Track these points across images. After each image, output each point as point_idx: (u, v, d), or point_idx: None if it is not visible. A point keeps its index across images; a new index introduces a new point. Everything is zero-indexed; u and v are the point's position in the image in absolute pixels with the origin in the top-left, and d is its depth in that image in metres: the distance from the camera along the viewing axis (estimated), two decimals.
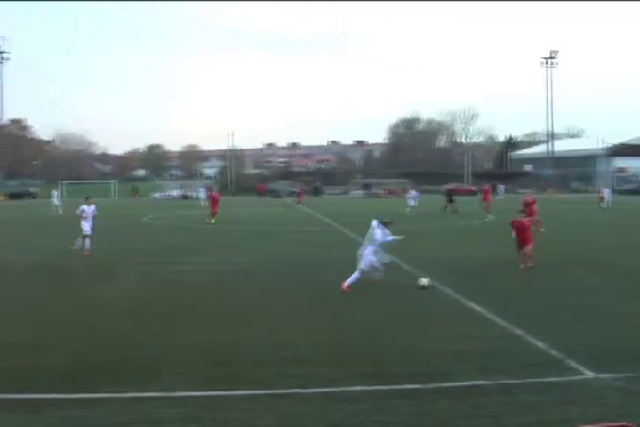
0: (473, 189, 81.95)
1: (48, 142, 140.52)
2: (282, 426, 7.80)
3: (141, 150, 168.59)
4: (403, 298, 15.38)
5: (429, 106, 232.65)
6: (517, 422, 7.80)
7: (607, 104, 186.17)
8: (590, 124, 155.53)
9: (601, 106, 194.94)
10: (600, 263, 20.98)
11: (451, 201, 48.30)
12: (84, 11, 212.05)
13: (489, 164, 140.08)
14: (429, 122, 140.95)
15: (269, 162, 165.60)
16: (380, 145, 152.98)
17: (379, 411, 8.13)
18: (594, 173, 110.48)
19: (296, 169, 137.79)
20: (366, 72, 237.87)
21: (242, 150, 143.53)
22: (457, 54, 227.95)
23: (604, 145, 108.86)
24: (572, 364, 9.98)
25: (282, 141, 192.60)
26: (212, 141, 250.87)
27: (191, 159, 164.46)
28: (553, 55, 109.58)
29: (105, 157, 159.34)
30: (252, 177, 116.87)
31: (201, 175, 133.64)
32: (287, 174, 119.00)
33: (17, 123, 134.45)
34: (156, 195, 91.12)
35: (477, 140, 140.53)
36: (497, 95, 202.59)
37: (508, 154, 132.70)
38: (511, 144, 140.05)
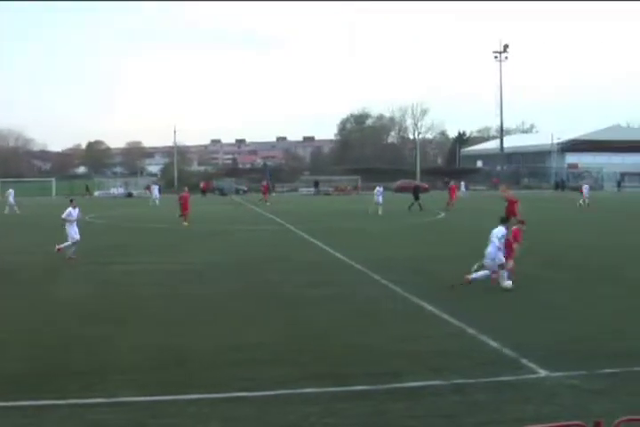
0: (426, 186, 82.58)
1: None
2: None
3: (83, 147, 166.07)
4: (354, 298, 15.47)
5: (379, 102, 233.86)
6: (471, 421, 7.92)
7: (559, 100, 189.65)
8: (542, 120, 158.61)
9: (553, 102, 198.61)
10: (560, 261, 21.41)
11: (416, 198, 48.43)
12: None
13: (440, 160, 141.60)
14: (379, 117, 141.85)
15: (215, 159, 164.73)
16: (330, 141, 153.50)
17: (331, 413, 8.18)
18: (546, 169, 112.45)
19: (241, 166, 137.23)
20: (315, 68, 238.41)
21: (187, 147, 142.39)
22: (408, 49, 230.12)
23: (556, 141, 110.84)
24: (526, 363, 10.16)
25: (228, 138, 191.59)
26: (156, 138, 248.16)
27: (134, 156, 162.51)
28: (504, 49, 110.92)
29: (44, 154, 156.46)
30: (196, 174, 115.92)
31: (143, 172, 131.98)
32: (232, 171, 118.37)
33: None
34: (97, 193, 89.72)
35: (428, 135, 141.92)
36: (448, 90, 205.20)
37: (460, 150, 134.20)
38: (462, 140, 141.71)
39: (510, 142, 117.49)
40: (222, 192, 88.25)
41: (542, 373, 9.71)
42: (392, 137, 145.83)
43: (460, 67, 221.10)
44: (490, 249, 16.21)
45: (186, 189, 44.19)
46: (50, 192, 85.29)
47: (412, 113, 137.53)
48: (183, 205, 39.28)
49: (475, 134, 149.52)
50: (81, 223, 24.44)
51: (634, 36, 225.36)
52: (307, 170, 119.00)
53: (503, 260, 16.20)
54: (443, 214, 43.44)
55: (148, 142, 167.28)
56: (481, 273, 16.37)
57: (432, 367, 9.96)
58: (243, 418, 8.07)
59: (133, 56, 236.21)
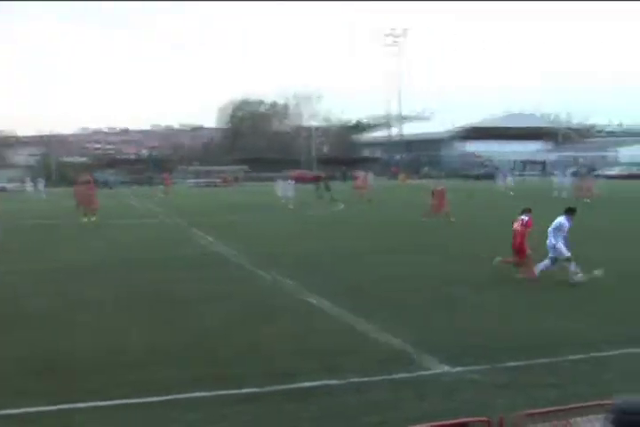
0: (321, 175, 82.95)
1: None
2: None
3: None
4: (245, 295, 15.35)
5: (274, 88, 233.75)
6: (369, 421, 7.95)
7: (457, 86, 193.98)
8: (441, 107, 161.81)
9: (451, 87, 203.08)
10: (460, 252, 21.88)
11: (327, 189, 48.46)
12: None
13: (335, 148, 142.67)
14: (272, 104, 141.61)
15: (97, 149, 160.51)
16: (219, 130, 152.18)
17: (221, 418, 8.07)
18: (445, 157, 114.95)
19: (124, 156, 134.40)
20: (205, 52, 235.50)
21: (63, 136, 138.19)
22: (302, 35, 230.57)
23: (455, 128, 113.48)
24: (425, 358, 10.32)
25: (107, 126, 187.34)
26: (26, 126, 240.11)
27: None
28: (400, 33, 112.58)
29: None
30: (71, 165, 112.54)
31: (9, 163, 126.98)
32: (113, 162, 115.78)
33: None
34: None
35: (323, 123, 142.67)
36: (344, 77, 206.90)
37: (356, 138, 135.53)
38: (359, 128, 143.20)
39: (408, 130, 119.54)
40: (107, 185, 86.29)
41: (442, 368, 9.86)
42: (285, 125, 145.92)
43: (358, 53, 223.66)
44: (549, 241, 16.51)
45: (88, 179, 41.31)
46: None
47: (307, 99, 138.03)
48: (85, 199, 36.90)
49: (371, 121, 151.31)
50: None
51: (529, 22, 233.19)
52: (196, 160, 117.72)
53: (564, 252, 16.24)
54: (342, 206, 43.74)
55: (18, 131, 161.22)
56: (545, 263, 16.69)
57: (327, 366, 9.96)
58: (129, 426, 7.89)
59: None
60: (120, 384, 9.23)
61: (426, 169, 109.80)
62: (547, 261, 16.68)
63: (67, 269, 19.25)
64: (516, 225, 17.39)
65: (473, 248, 22.67)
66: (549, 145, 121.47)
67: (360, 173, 54.33)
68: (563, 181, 51.71)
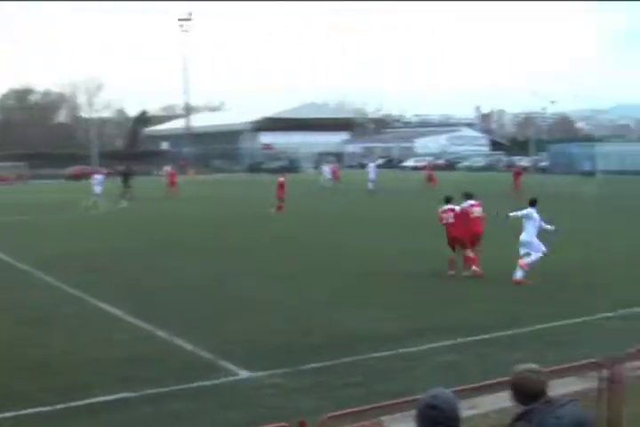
0: (107, 171, 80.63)
1: None
2: None
3: None
4: (25, 304, 14.73)
5: (46, 75, 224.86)
6: None
7: (249, 75, 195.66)
8: (232, 97, 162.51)
9: (243, 77, 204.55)
10: (257, 252, 22.01)
11: (127, 186, 45.69)
12: None
13: (121, 142, 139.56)
14: (46, 93, 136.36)
15: None
16: None
17: None
18: (238, 150, 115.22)
19: None
20: None
21: None
22: (80, 18, 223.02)
23: (248, 119, 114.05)
24: (226, 364, 10.35)
25: None
26: None
27: None
28: (188, 17, 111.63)
29: None
30: None
31: None
32: None
33: None
34: None
35: (105, 114, 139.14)
36: (128, 65, 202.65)
37: (142, 130, 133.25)
38: (145, 119, 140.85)
39: (199, 121, 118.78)
40: None
41: (243, 374, 9.93)
42: (63, 116, 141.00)
43: (143, 39, 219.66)
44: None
45: None
46: None
47: (86, 88, 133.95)
48: None
49: (158, 113, 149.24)
50: None
51: (330, 14, 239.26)
52: None
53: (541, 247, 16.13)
54: (126, 204, 42.72)
55: None
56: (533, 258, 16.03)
57: (120, 377, 9.77)
58: None
59: None
60: None
61: (217, 163, 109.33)
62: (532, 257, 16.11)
63: None
64: (475, 212, 17.33)
65: (261, 244, 22.96)
66: (349, 136, 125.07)
67: (167, 169, 52.54)
68: (371, 174, 53.54)
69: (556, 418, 4.25)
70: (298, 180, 58.24)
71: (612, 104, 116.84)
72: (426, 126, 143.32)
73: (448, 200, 17.67)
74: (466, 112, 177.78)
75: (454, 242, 17.21)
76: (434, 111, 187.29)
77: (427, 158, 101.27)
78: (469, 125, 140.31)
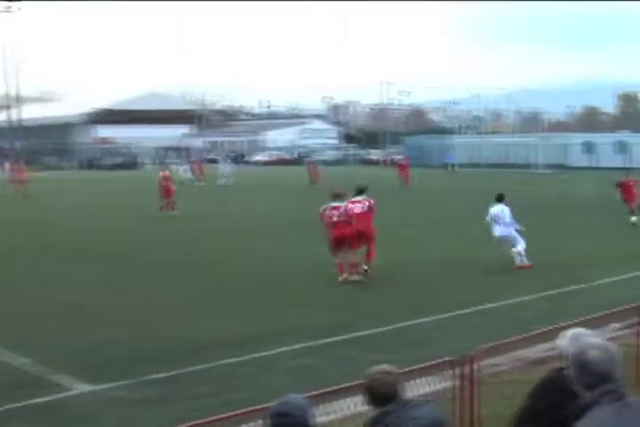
0: None
1: None
2: None
3: None
4: None
5: None
6: None
7: (84, 63, 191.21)
8: (65, 87, 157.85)
9: (77, 65, 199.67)
10: (89, 252, 21.58)
11: None
12: None
13: None
14: None
15: None
16: None
17: None
18: (72, 144, 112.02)
19: None
20: None
21: None
22: None
23: (83, 111, 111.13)
24: (62, 379, 10.09)
25: None
26: None
27: None
28: None
29: None
30: None
31: None
32: None
33: None
34: None
35: None
36: None
37: None
38: None
39: (29, 113, 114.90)
40: None
41: (83, 388, 9.71)
42: None
43: None
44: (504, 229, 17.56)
45: None
46: None
47: None
48: None
49: None
50: None
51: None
52: None
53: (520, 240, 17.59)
54: None
55: None
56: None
57: None
58: None
59: None
60: None
61: (49, 159, 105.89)
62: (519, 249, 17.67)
63: None
64: (355, 208, 16.70)
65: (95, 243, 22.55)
66: (194, 129, 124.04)
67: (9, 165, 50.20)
68: (225, 168, 53.66)
69: (412, 420, 4.36)
70: (142, 177, 57.25)
71: (466, 95, 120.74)
72: (274, 119, 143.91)
73: (337, 196, 16.98)
74: (316, 104, 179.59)
75: (338, 243, 16.52)
76: (283, 103, 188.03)
77: (274, 152, 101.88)
78: (320, 117, 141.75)
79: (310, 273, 17.35)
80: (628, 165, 63.28)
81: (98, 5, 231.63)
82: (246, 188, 47.17)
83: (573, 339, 4.70)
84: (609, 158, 66.48)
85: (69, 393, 9.55)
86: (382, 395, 4.46)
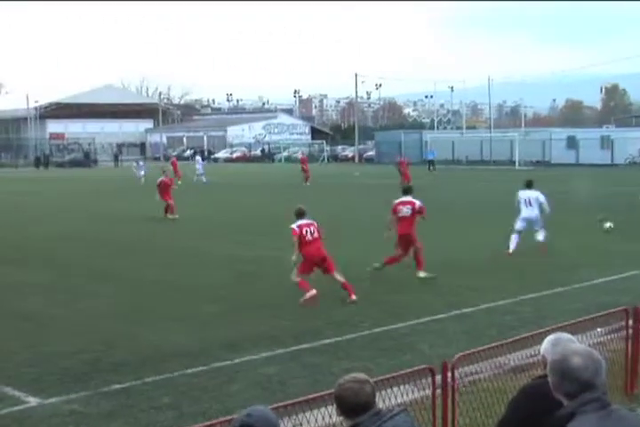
0: None
1: None
2: None
3: None
4: None
5: None
6: None
7: (34, 53, 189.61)
8: (13, 79, 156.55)
9: (26, 55, 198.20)
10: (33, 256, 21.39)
11: None
12: None
13: None
14: None
15: None
16: None
17: None
18: (21, 140, 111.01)
19: None
20: None
21: None
22: None
23: (34, 105, 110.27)
24: (9, 392, 9.98)
25: None
26: None
27: None
28: None
29: None
30: None
31: None
32: None
33: None
34: None
35: None
36: None
37: None
38: None
39: None
40: None
41: (33, 402, 9.61)
42: None
43: None
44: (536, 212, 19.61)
45: None
46: None
47: None
48: None
49: None
50: None
51: None
52: None
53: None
54: None
55: None
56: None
57: None
58: None
59: None
60: None
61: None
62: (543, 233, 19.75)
63: None
64: (404, 209, 16.95)
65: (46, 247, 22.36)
66: (152, 124, 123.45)
67: None
68: (199, 166, 54.00)
69: None
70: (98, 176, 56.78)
71: (442, 88, 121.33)
72: (239, 113, 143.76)
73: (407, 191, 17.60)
74: (284, 97, 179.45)
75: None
76: (248, 97, 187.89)
77: (239, 149, 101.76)
78: (288, 112, 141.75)
79: (274, 276, 17.27)
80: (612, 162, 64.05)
81: None
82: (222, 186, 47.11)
83: (554, 345, 4.72)
84: (593, 154, 67.00)
85: (18, 407, 9.43)
86: (354, 406, 4.43)
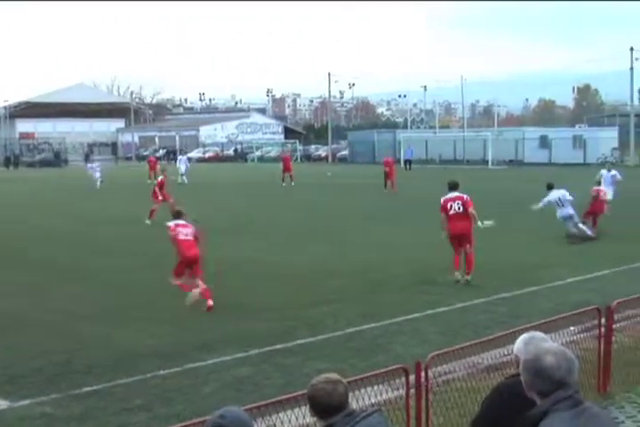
0: None
1: None
2: None
3: None
4: None
5: None
6: None
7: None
8: None
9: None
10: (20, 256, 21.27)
11: None
12: None
13: None
14: None
15: None
16: None
17: None
18: None
19: None
20: None
21: None
22: None
23: (5, 104, 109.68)
24: None
25: None
26: None
27: None
28: None
29: None
30: None
31: None
32: None
33: None
34: None
35: None
36: None
37: None
38: None
39: None
40: None
41: (3, 404, 9.56)
42: None
43: None
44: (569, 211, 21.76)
45: None
46: None
47: None
48: None
49: None
50: None
51: None
52: None
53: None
54: None
55: None
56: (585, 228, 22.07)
57: None
58: None
59: None
60: None
61: None
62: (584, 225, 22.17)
63: None
64: (455, 205, 16.00)
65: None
66: (123, 124, 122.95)
67: None
68: (181, 166, 53.07)
69: None
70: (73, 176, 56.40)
71: (418, 88, 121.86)
72: (212, 112, 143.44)
73: (455, 186, 16.58)
74: (257, 97, 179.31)
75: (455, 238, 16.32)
76: (221, 96, 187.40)
77: (210, 148, 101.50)
78: (261, 111, 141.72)
79: (248, 276, 17.24)
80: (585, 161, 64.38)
81: None
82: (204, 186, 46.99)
83: (527, 344, 4.73)
84: (566, 154, 67.38)
85: None
86: (327, 406, 4.42)
